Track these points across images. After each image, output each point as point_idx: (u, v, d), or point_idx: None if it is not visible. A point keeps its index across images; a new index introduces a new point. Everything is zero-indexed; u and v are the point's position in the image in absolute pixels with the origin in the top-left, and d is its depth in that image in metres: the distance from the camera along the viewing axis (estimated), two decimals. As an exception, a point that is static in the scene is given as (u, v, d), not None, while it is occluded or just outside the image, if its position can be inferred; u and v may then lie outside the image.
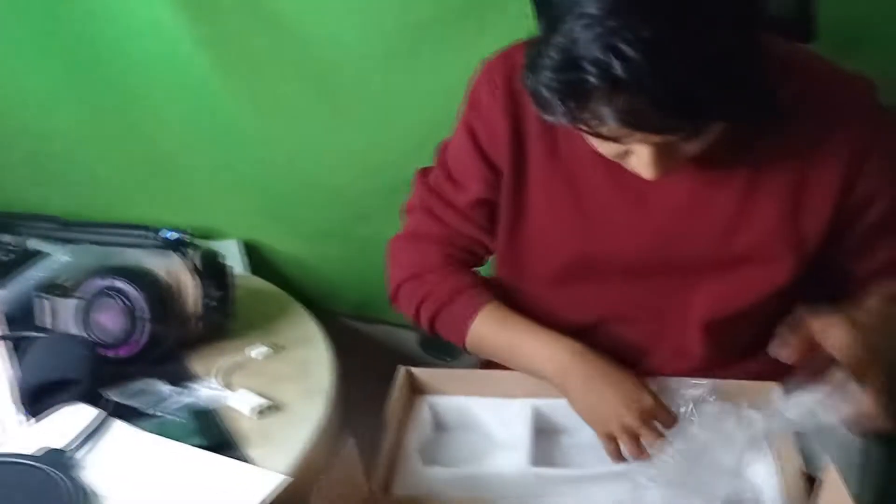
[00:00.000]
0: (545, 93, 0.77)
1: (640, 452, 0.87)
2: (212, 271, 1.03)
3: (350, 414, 1.04)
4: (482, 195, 1.00)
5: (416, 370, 1.01)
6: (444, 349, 1.23)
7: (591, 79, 0.72)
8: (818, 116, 0.87)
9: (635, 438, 0.87)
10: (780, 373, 0.96)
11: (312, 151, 1.36)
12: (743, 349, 0.99)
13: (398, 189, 1.35)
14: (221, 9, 1.27)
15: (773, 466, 0.87)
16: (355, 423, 0.96)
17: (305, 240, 1.43)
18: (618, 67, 0.70)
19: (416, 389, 1.01)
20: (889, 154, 0.90)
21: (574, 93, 0.75)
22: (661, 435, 0.86)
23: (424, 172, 1.07)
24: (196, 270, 1.01)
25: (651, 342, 0.98)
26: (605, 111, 0.74)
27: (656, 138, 0.77)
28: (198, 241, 1.06)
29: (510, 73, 0.94)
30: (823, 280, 1.00)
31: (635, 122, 0.74)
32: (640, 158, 0.80)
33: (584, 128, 0.78)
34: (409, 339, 1.39)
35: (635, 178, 0.86)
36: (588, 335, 0.97)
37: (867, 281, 0.93)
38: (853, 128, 0.88)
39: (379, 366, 1.05)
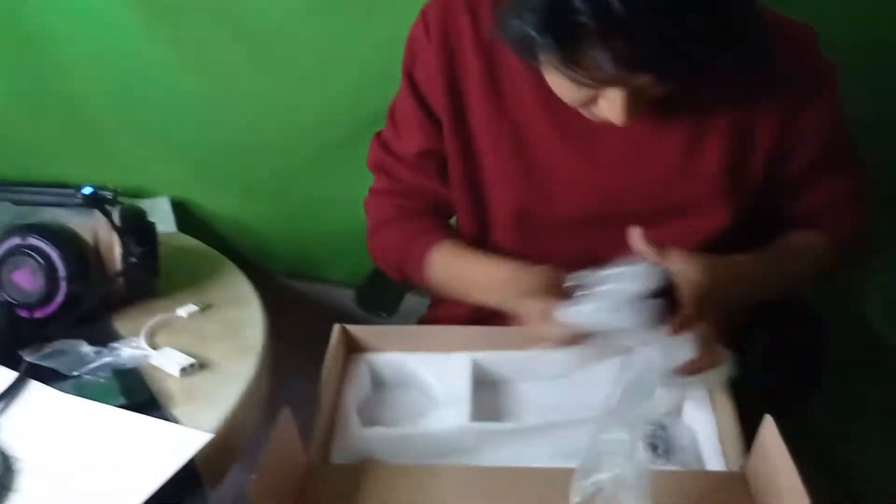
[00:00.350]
0: (535, 37, 0.73)
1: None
2: (134, 228, 1.00)
3: (286, 373, 1.03)
4: (424, 145, 0.98)
5: (351, 327, 0.99)
6: (381, 305, 1.22)
7: (586, 18, 0.69)
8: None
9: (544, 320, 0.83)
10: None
11: (242, 107, 1.32)
12: None
13: (331, 145, 1.33)
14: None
15: (710, 414, 0.88)
16: (292, 382, 0.95)
17: (236, 197, 1.40)
18: (616, 4, 0.67)
19: (352, 347, 1.00)
20: (827, 101, 0.91)
21: (566, 35, 0.71)
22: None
23: (379, 132, 1.06)
24: (116, 227, 0.97)
25: None
26: (601, 55, 0.71)
27: (643, 81, 0.75)
28: (125, 200, 1.03)
29: (445, 18, 0.92)
30: (756, 230, 1.01)
31: (635, 63, 0.71)
32: (613, 104, 0.78)
33: (578, 73, 0.75)
34: (347, 296, 1.36)
35: (581, 127, 0.86)
36: None
37: (793, 224, 0.94)
38: (796, 74, 0.88)
39: (316, 324, 1.03)
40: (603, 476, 0.73)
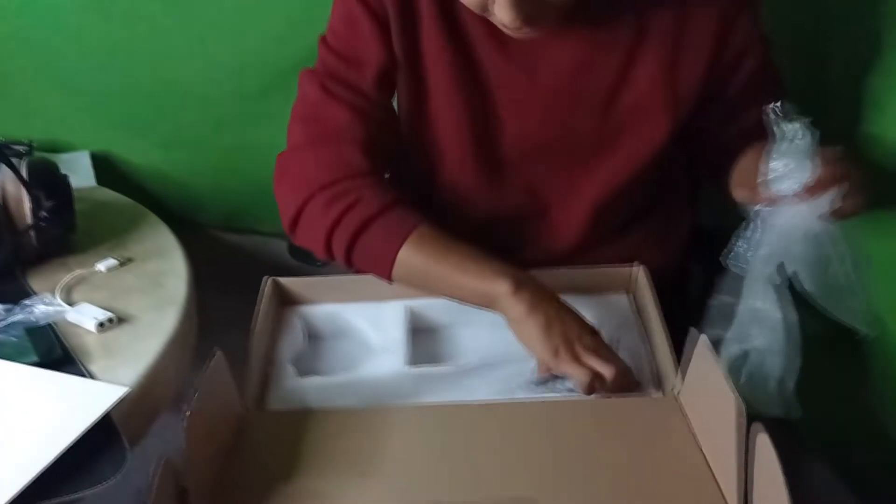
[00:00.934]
0: None
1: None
2: (45, 181, 0.95)
3: (221, 327, 1.00)
4: (383, 61, 0.89)
5: (283, 280, 0.97)
6: (314, 255, 1.20)
7: None
8: None
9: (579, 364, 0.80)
10: (650, 248, 0.97)
11: (160, 55, 1.26)
12: (620, 226, 0.99)
13: (258, 93, 1.28)
14: None
15: (645, 343, 0.88)
16: (227, 336, 0.92)
17: (161, 149, 1.35)
18: None
19: (284, 300, 0.98)
20: (757, 14, 0.90)
21: None
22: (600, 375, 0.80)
23: (309, 70, 0.95)
24: (24, 180, 0.93)
25: (537, 226, 0.97)
26: None
27: None
28: (44, 154, 0.99)
29: None
30: (691, 151, 1.01)
31: None
32: (502, 3, 0.77)
33: None
34: (281, 248, 1.34)
35: (523, 46, 0.85)
36: (488, 225, 0.95)
37: (737, 143, 0.93)
38: None
39: (251, 277, 1.00)
40: (751, 344, 0.73)
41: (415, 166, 0.99)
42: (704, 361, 0.74)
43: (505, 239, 0.96)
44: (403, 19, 0.89)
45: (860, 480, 1.10)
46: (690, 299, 1.11)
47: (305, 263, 1.20)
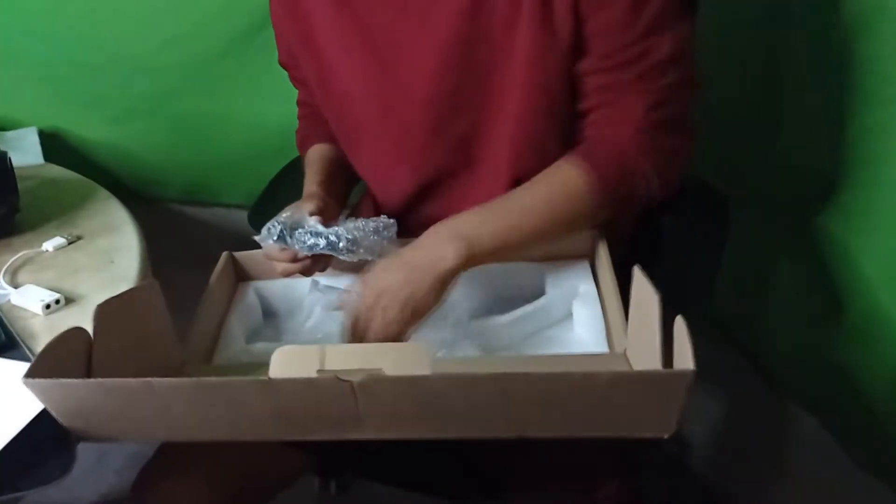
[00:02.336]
0: None
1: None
2: (-20, 159, 0.91)
3: (183, 304, 0.97)
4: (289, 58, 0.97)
5: (239, 254, 0.93)
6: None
7: None
8: None
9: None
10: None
11: (107, 25, 1.21)
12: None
13: (209, 61, 1.24)
14: None
15: (598, 313, 0.85)
16: (185, 309, 0.89)
17: (113, 123, 1.30)
18: None
19: (241, 276, 0.94)
20: None
21: None
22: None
23: None
24: (-42, 159, 0.89)
25: (468, 182, 0.94)
26: None
27: None
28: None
29: None
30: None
31: None
32: None
33: None
34: (244, 219, 1.30)
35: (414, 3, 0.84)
36: (418, 194, 0.94)
37: (593, 99, 0.88)
38: None
39: (214, 250, 0.97)
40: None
41: (343, 140, 0.99)
42: (643, 289, 0.71)
43: (440, 202, 0.94)
44: (294, 10, 0.92)
45: (857, 444, 1.09)
46: (659, 248, 1.09)
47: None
